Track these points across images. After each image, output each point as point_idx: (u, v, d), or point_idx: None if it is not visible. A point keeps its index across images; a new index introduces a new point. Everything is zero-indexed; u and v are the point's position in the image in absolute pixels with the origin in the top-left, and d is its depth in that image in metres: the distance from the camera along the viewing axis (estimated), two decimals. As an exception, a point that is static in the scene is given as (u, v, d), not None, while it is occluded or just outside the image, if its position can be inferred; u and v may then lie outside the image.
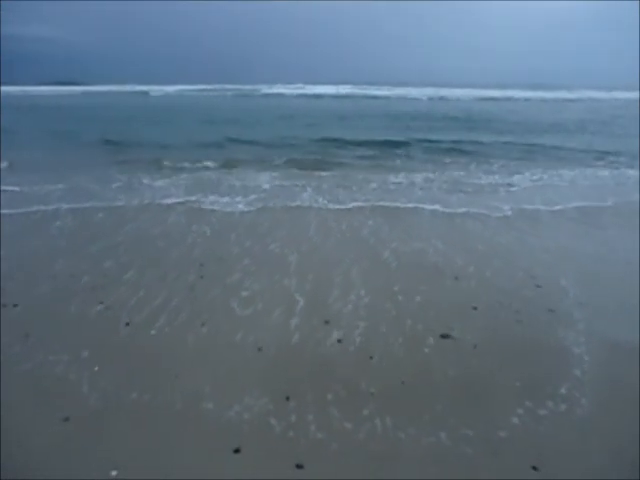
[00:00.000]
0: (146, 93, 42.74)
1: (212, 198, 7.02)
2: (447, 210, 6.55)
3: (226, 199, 7.00)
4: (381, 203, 6.85)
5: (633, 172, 9.46)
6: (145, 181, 8.09)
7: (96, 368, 2.90)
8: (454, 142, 12.70)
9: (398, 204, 6.82)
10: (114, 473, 2.17)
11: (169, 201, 6.85)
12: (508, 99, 35.82)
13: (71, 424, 2.46)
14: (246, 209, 6.54)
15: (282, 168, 9.49)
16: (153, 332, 3.31)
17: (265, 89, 48.36)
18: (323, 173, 9.11)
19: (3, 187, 7.44)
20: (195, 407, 2.60)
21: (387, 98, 36.95)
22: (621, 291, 4.05)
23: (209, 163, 9.75)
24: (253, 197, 7.13)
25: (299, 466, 2.23)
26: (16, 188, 7.44)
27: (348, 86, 50.97)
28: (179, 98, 37.11)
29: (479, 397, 2.72)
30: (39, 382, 2.79)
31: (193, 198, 7.01)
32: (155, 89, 46.75)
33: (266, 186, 7.89)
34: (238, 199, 7.00)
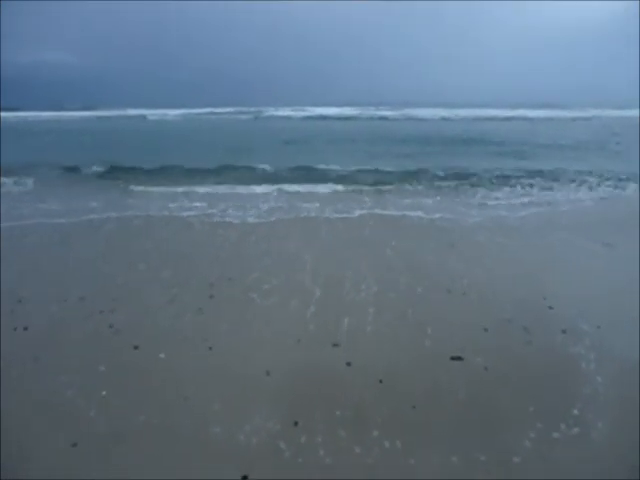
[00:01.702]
0: (144, 117, 43.54)
1: (228, 212, 7.59)
2: (427, 216, 7.32)
3: (240, 213, 7.53)
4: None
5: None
6: (159, 201, 8.37)
7: (103, 393, 2.90)
8: (451, 168, 12.68)
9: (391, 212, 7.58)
10: (122, 500, 2.15)
11: (187, 213, 7.49)
12: (521, 119, 35.87)
13: (79, 449, 2.45)
14: (260, 221, 7.07)
15: (286, 190, 9.67)
16: (162, 355, 3.31)
17: (270, 112, 48.89)
18: (322, 192, 9.44)
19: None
20: (203, 431, 2.58)
21: (393, 120, 37.32)
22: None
23: (215, 186, 10.05)
24: (265, 210, 7.75)
25: (309, 493, 2.19)
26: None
27: (351, 108, 51.33)
28: (178, 123, 37.68)
29: (491, 420, 2.67)
30: (48, 406, 2.79)
31: (209, 212, 7.61)
32: (154, 113, 47.40)
33: (274, 204, 8.32)
34: (252, 212, 7.61)
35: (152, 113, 47.38)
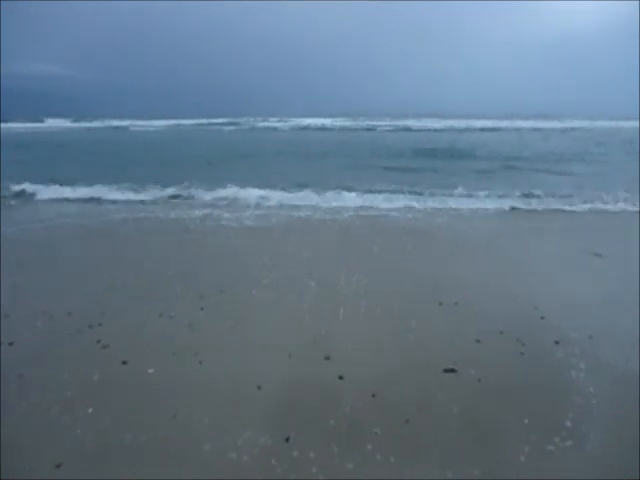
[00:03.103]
0: (126, 128, 43.71)
1: (225, 216, 8.01)
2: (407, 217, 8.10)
3: (236, 215, 7.95)
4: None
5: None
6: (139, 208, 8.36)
7: (90, 410, 2.82)
8: (431, 177, 12.78)
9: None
10: (107, 523, 2.08)
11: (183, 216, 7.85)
12: (511, 130, 36.26)
13: (63, 471, 2.37)
14: (255, 224, 7.51)
15: (272, 198, 9.74)
16: (151, 371, 3.24)
17: (258, 122, 49.01)
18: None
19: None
20: (193, 448, 2.52)
21: (382, 131, 37.53)
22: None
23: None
24: (260, 214, 8.25)
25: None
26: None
27: (341, 118, 51.44)
28: (158, 134, 37.77)
29: (485, 433, 2.64)
30: (31, 426, 2.70)
31: (195, 218, 7.93)
32: (138, 124, 47.60)
33: (265, 206, 8.85)
34: (247, 214, 8.13)
35: (135, 124, 47.53)
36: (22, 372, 3.23)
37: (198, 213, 8.35)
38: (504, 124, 41.03)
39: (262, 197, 9.49)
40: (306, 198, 9.48)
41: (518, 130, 35.75)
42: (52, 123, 53.39)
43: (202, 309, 4.20)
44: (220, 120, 53.54)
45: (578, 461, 2.44)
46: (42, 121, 56.05)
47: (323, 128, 40.29)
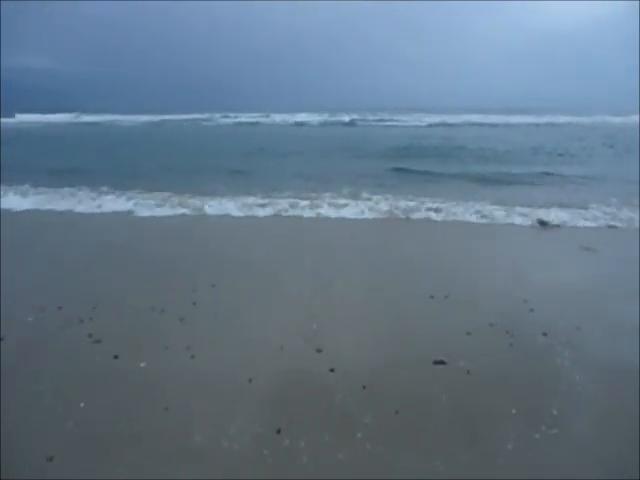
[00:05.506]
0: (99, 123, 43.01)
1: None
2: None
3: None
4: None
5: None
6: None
7: (82, 404, 2.82)
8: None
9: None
10: (100, 514, 2.09)
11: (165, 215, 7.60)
12: (497, 125, 36.17)
13: (55, 463, 2.38)
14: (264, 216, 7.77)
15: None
16: (143, 364, 3.25)
17: (241, 117, 48.08)
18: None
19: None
20: (185, 440, 2.53)
21: (362, 126, 37.07)
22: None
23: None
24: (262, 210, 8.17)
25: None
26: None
27: (325, 114, 50.04)
28: (131, 129, 36.93)
29: (474, 423, 2.68)
30: (23, 419, 2.70)
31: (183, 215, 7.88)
32: (114, 119, 47.00)
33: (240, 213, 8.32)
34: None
35: (118, 119, 46.74)
36: (14, 366, 3.22)
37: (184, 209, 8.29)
38: (495, 120, 40.84)
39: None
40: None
41: (512, 126, 35.77)
42: (22, 118, 51.62)
43: (194, 303, 4.20)
44: (205, 115, 52.55)
45: (565, 449, 2.49)
46: (12, 116, 53.59)
47: (306, 124, 39.72)
